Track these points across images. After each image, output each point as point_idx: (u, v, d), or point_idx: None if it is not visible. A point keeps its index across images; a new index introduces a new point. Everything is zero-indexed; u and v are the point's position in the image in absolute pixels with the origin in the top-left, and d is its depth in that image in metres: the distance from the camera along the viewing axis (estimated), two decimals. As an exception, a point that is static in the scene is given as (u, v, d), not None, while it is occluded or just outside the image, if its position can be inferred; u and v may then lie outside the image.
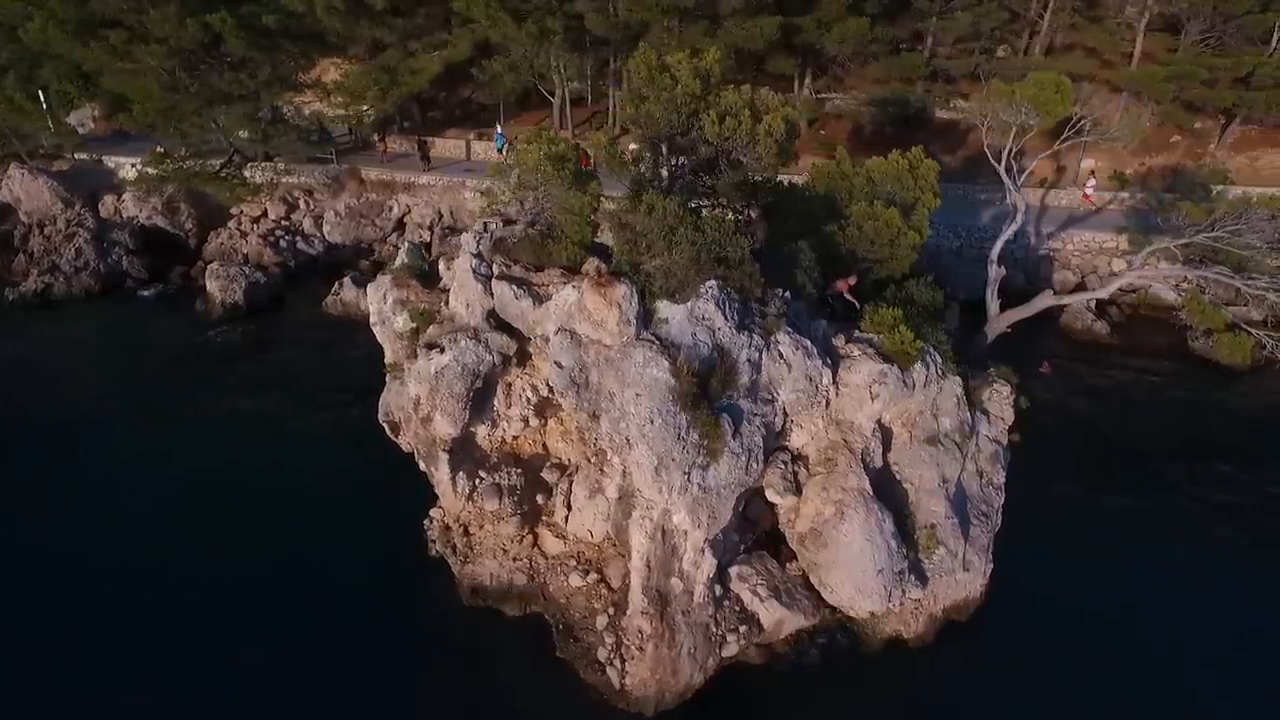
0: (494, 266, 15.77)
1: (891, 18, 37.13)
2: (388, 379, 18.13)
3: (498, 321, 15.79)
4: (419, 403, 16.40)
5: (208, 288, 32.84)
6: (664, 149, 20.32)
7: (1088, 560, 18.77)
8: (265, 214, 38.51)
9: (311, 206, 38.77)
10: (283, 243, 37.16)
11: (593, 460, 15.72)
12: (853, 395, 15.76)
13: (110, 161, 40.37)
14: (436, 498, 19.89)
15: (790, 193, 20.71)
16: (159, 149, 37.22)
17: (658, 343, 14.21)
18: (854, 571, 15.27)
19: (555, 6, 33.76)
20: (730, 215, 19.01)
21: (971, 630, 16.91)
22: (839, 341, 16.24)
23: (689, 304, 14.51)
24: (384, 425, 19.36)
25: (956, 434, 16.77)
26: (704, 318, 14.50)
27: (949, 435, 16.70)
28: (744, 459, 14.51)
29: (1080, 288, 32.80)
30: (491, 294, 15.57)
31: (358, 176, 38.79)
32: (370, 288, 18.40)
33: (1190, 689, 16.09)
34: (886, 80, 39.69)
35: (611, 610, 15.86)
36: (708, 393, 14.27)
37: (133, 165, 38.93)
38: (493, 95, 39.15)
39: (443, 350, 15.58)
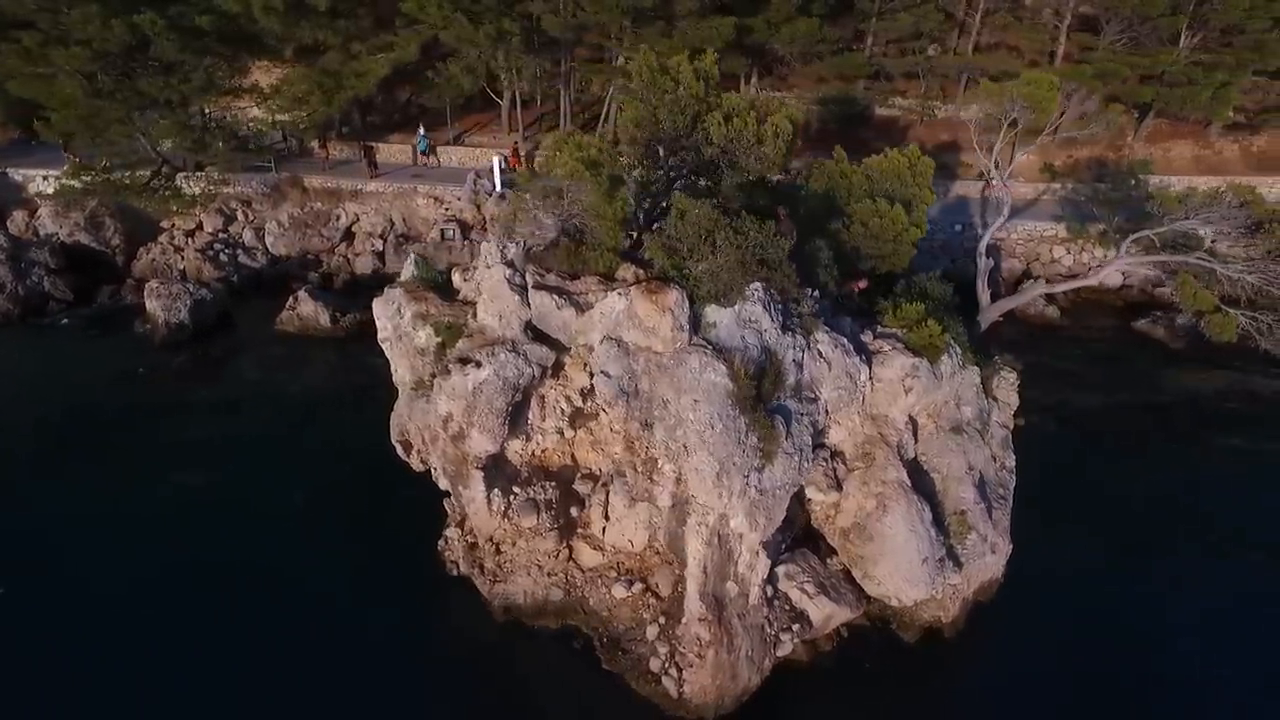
0: (527, 276, 15.34)
1: (834, 18, 38.07)
2: (406, 396, 17.43)
3: (535, 333, 15.39)
4: (448, 420, 15.81)
5: (148, 307, 30.63)
6: (660, 151, 20.29)
7: (1083, 532, 19.79)
8: (200, 227, 36.28)
9: (251, 217, 36.78)
10: (223, 256, 35.12)
11: (639, 469, 15.50)
12: (887, 390, 16.14)
13: (17, 174, 37.19)
14: (446, 517, 19.35)
15: (788, 192, 20.98)
16: (74, 158, 34.66)
17: (710, 347, 14.16)
18: (900, 562, 15.64)
19: (505, 8, 33.05)
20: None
21: (998, 609, 17.56)
22: (867, 338, 16.59)
23: (736, 307, 14.52)
24: (396, 445, 18.71)
25: (977, 422, 17.41)
26: (751, 320, 14.55)
27: (971, 424, 17.32)
28: (796, 459, 14.64)
29: (1026, 274, 34.64)
30: (529, 304, 15.16)
31: (299, 185, 37.00)
32: (379, 303, 17.63)
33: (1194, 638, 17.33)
34: (828, 79, 40.71)
35: (662, 619, 15.71)
36: (760, 395, 14.32)
37: (45, 177, 36.13)
38: (440, 98, 38.03)
39: (479, 365, 15.07)
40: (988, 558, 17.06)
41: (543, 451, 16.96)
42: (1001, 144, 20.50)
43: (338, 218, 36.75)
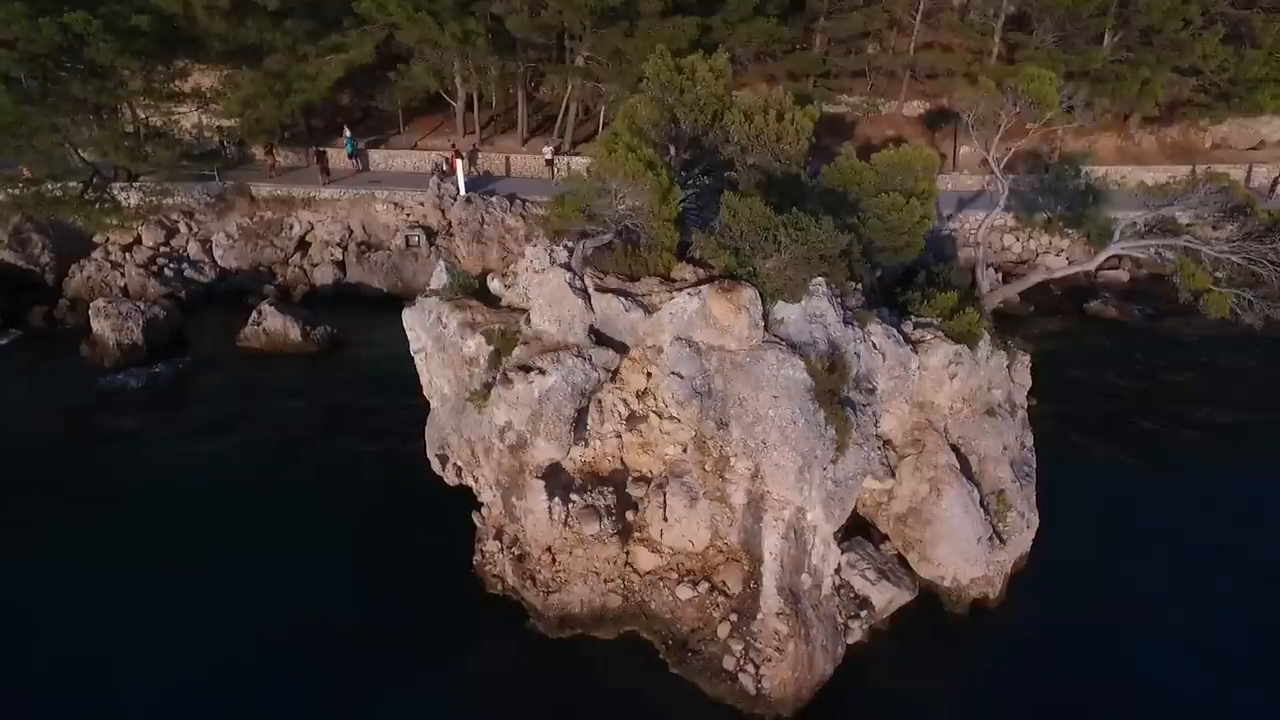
0: (586, 280, 15.06)
1: (785, 17, 38.88)
2: (449, 408, 16.82)
3: (597, 336, 15.12)
4: (505, 430, 15.37)
5: (95, 328, 28.47)
6: (672, 150, 20.33)
7: (1085, 500, 20.93)
8: (139, 241, 33.90)
9: (195, 229, 34.62)
10: (167, 271, 32.97)
11: (709, 468, 15.41)
12: (932, 377, 16.66)
13: (-78, 189, 33.77)
14: (471, 532, 18.84)
15: (797, 188, 21.31)
16: (-12, 171, 31.82)
17: (784, 343, 14.28)
18: (958, 543, 16.21)
19: (461, 8, 32.23)
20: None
21: (1033, 580, 18.34)
22: (907, 327, 17.06)
23: (803, 302, 14.69)
24: (432, 459, 18.08)
25: (1007, 404, 18.17)
26: (818, 314, 14.76)
27: (1002, 406, 18.05)
28: (865, 449, 14.96)
29: (981, 263, 36.26)
30: (593, 308, 14.88)
31: (247, 194, 35.09)
32: (411, 313, 16.94)
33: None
34: (778, 77, 41.54)
35: (734, 617, 15.70)
36: (833, 387, 14.54)
37: (-43, 192, 32.95)
38: (393, 100, 36.82)
39: (543, 372, 14.69)
40: (1024, 533, 17.83)
41: (594, 457, 16.67)
42: (999, 137, 21.44)
43: (290, 227, 35.05)
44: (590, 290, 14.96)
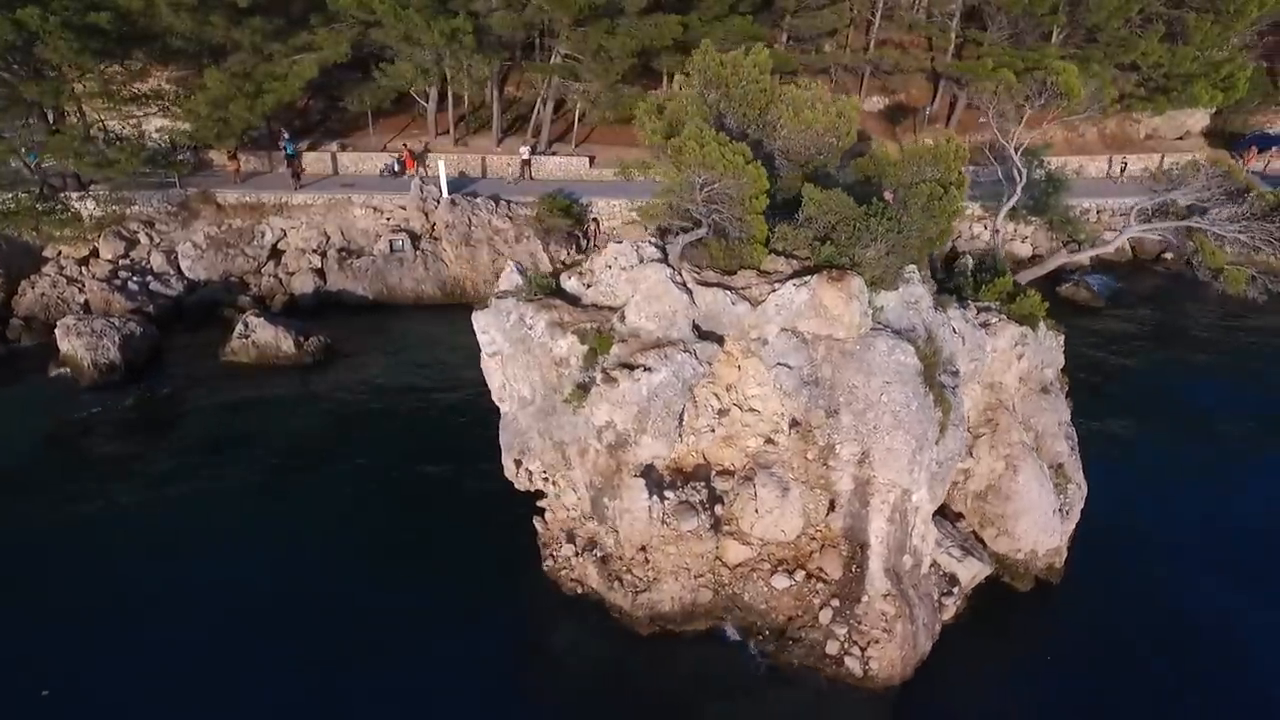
0: (684, 275, 14.92)
1: (754, 15, 39.44)
2: (531, 411, 16.35)
3: (700, 331, 15.00)
4: (605, 429, 15.08)
5: (66, 348, 26.39)
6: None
7: (1105, 467, 22.00)
8: (95, 254, 31.50)
9: (157, 240, 32.39)
10: (131, 285, 30.73)
11: (812, 457, 15.50)
12: (1000, 358, 17.26)
13: None
14: (535, 537, 18.45)
15: (831, 180, 21.68)
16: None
17: (888, 329, 14.52)
18: (1037, 516, 16.85)
19: (440, 5, 31.38)
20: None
21: (1084, 546, 19.17)
22: (971, 312, 17.60)
23: (900, 289, 14.98)
24: (509, 464, 17.57)
25: (1058, 381, 18.98)
26: (914, 300, 15.10)
27: (1053, 383, 18.85)
28: (961, 429, 15.39)
29: (954, 251, 37.71)
30: (695, 303, 14.75)
31: (212, 201, 33.13)
32: (485, 315, 16.39)
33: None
34: (744, 75, 42.04)
35: (836, 602, 15.87)
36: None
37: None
38: (363, 101, 35.47)
39: (649, 369, 14.47)
40: (1080, 503, 18.66)
41: (681, 453, 16.51)
42: (1020, 127, 22.40)
43: (262, 234, 33.31)
44: (690, 285, 14.83)
